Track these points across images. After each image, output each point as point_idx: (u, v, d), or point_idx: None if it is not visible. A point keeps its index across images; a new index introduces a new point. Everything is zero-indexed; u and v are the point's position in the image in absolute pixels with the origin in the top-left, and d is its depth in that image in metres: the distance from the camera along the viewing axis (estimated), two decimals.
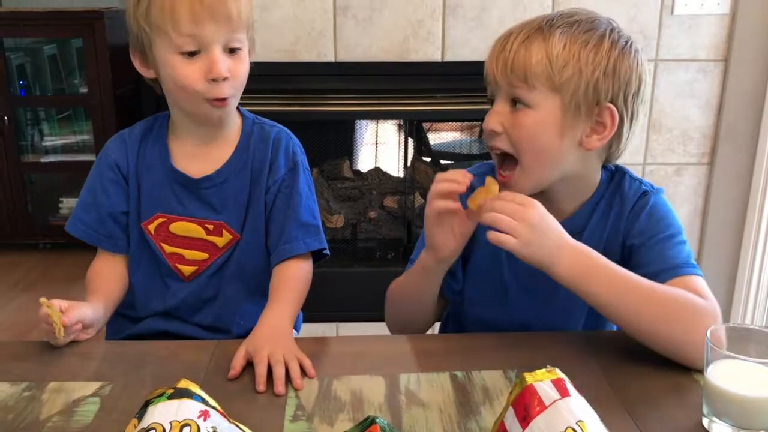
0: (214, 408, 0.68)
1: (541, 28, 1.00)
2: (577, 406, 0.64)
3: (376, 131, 2.61)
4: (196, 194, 1.18)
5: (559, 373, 0.67)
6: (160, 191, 1.18)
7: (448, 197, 0.99)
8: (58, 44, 3.33)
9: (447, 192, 0.99)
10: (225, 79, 1.06)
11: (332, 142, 2.58)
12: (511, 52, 0.99)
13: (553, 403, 0.64)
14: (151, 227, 1.18)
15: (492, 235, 0.94)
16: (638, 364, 0.96)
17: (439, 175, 1.01)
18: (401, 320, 1.17)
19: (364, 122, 2.58)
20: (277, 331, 1.01)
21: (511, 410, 0.66)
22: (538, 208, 0.94)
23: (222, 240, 1.19)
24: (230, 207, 1.18)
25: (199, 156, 1.18)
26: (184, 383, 0.68)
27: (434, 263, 1.04)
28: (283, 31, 2.10)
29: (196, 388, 0.69)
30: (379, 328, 2.25)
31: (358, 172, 2.60)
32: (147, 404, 0.67)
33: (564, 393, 0.65)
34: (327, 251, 1.20)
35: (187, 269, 1.20)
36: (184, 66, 1.05)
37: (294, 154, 1.20)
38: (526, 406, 0.65)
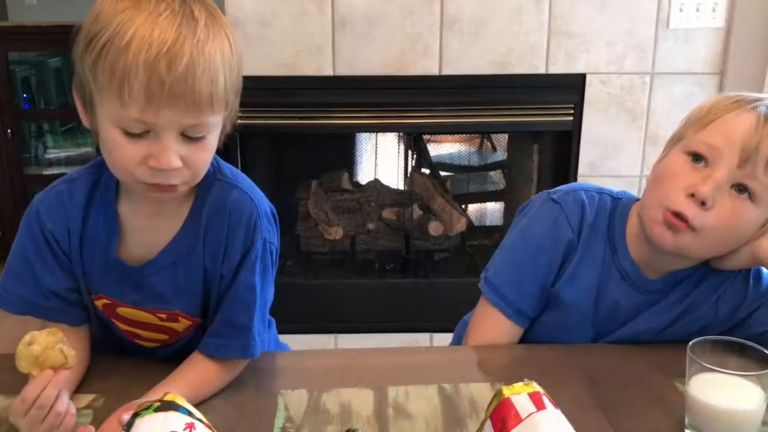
0: (200, 420, 0.70)
1: None
2: (552, 419, 0.66)
3: (375, 144, 2.63)
4: (140, 284, 0.97)
5: (536, 386, 0.69)
6: (101, 273, 0.98)
7: None
8: (63, 57, 3.37)
9: None
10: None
11: (331, 155, 2.60)
12: None
13: (529, 416, 0.65)
14: (99, 304, 1.00)
15: None
16: (623, 377, 0.98)
17: None
18: None
19: (363, 135, 2.60)
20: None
21: (489, 423, 0.68)
22: None
23: (180, 325, 1.01)
24: (182, 294, 0.98)
25: (149, 232, 0.96)
26: (170, 396, 0.70)
27: None
28: (282, 45, 2.12)
29: (182, 401, 0.70)
30: (378, 340, 2.28)
31: (357, 184, 2.62)
32: (135, 416, 0.69)
33: (540, 406, 0.66)
34: (255, 356, 0.97)
35: (148, 344, 1.03)
36: (124, 145, 0.83)
37: (255, 228, 0.96)
38: (503, 419, 0.66)
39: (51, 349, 0.79)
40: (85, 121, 0.91)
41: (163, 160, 0.83)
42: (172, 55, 0.79)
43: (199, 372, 0.94)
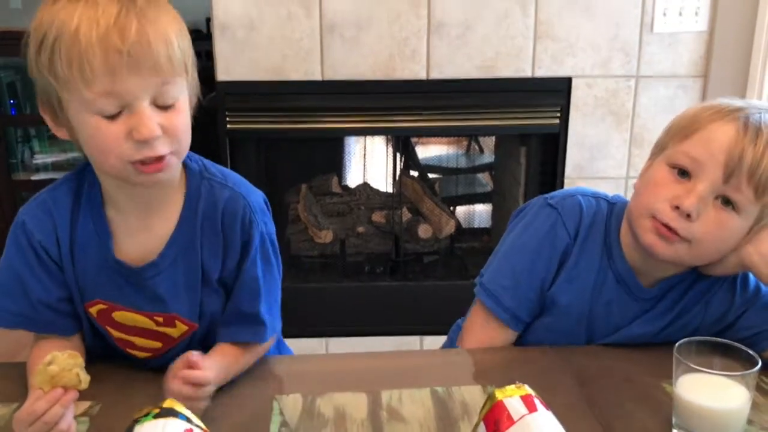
0: (198, 426, 0.71)
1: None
2: (544, 421, 0.68)
3: (364, 147, 2.64)
4: (140, 285, 0.98)
5: (528, 389, 0.70)
6: (96, 277, 0.98)
7: None
8: None
9: None
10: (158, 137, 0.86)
11: (321, 159, 2.62)
12: (759, 153, 0.91)
13: (521, 418, 0.67)
14: (93, 311, 1.00)
15: None
16: (612, 378, 1.00)
17: None
18: None
19: (352, 139, 2.61)
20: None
21: (482, 426, 0.69)
22: None
23: (176, 330, 1.02)
24: (181, 295, 0.99)
25: (142, 233, 0.97)
26: (169, 402, 0.71)
27: None
28: (270, 50, 2.13)
29: (181, 407, 0.71)
30: (368, 343, 2.29)
31: (346, 188, 2.63)
32: (134, 423, 0.70)
33: (532, 408, 0.68)
34: (267, 339, 1.04)
35: (140, 354, 1.04)
36: (104, 127, 0.85)
37: (251, 224, 0.99)
38: (496, 421, 0.68)
39: (68, 371, 0.80)
40: (60, 133, 0.92)
41: (144, 129, 0.84)
42: (120, 25, 0.81)
43: (224, 354, 0.99)
